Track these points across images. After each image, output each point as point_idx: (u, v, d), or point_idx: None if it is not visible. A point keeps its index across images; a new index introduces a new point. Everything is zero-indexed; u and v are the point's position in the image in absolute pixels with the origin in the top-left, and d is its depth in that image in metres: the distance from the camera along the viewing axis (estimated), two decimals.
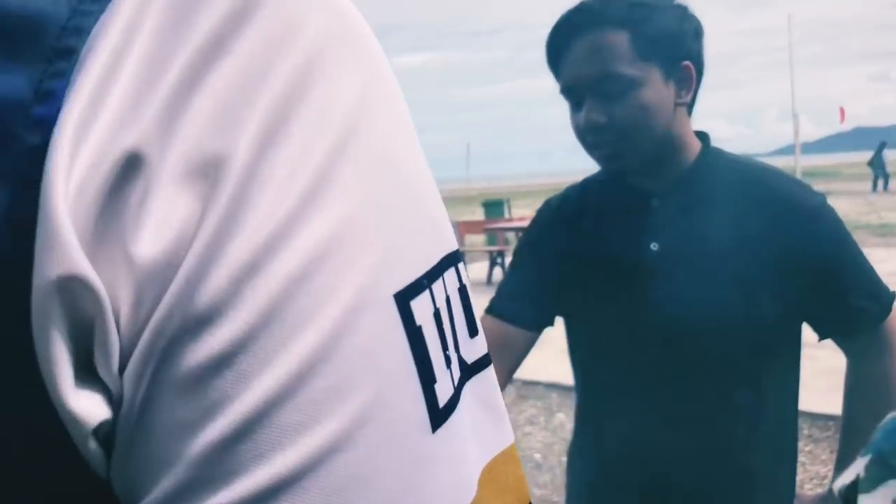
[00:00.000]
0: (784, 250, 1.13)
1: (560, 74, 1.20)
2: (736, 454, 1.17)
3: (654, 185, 1.20)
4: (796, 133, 26.84)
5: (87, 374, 0.24)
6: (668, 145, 1.18)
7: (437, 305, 0.27)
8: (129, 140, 0.24)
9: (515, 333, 1.30)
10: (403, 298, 0.26)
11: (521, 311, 1.31)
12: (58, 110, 0.23)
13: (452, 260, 0.30)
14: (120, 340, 0.24)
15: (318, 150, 0.25)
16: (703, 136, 1.24)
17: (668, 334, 1.16)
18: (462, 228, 11.39)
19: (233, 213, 0.24)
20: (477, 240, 12.45)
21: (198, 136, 0.24)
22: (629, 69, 1.12)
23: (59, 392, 0.23)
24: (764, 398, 1.18)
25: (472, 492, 0.27)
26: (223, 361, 0.23)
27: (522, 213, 13.85)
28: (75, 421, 0.23)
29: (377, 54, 0.30)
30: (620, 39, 1.13)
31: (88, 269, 0.23)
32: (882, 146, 25.12)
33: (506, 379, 1.31)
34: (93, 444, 0.24)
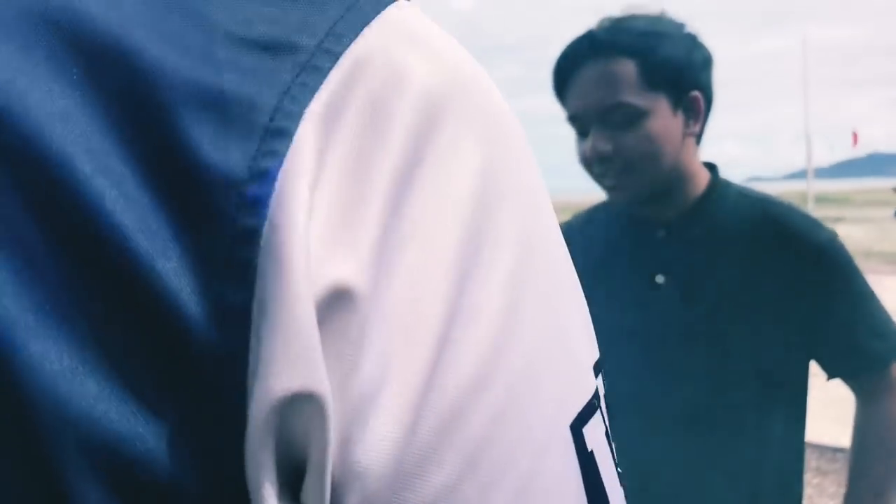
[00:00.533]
0: (792, 287, 1.11)
1: (566, 102, 1.19)
2: (741, 487, 1.15)
3: (661, 217, 1.19)
4: (809, 158, 26.79)
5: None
6: (676, 176, 1.16)
7: (607, 423, 0.27)
8: (344, 268, 0.22)
9: None
10: (578, 426, 0.25)
11: None
12: (273, 192, 0.21)
13: (598, 368, 0.29)
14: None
15: (505, 282, 0.24)
16: (711, 167, 1.23)
17: (671, 366, 1.15)
18: None
19: (440, 356, 0.22)
20: None
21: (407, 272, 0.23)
22: (636, 99, 1.11)
23: None
24: (769, 434, 1.15)
25: None
26: None
27: None
28: None
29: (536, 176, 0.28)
30: (628, 68, 1.11)
31: (327, 387, 0.21)
32: None
33: None
34: None
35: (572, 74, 1.16)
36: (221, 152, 0.21)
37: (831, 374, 1.17)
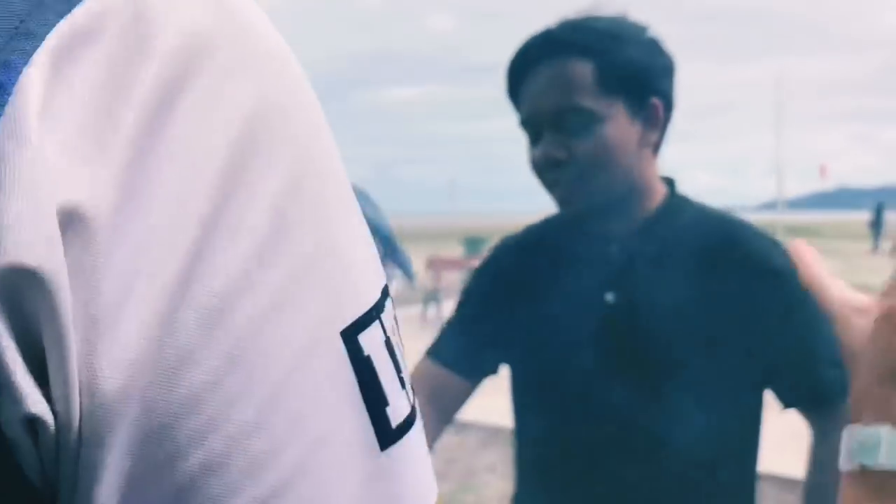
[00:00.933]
0: (748, 311, 1.05)
1: (519, 105, 1.12)
2: None
3: (614, 231, 1.11)
4: (780, 189, 27.28)
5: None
6: (631, 188, 1.09)
7: (388, 334, 0.29)
8: (82, 190, 0.23)
9: (454, 381, 1.21)
10: (352, 333, 0.28)
11: (462, 357, 1.22)
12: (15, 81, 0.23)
13: (387, 292, 0.31)
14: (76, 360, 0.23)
15: (272, 193, 0.26)
16: (669, 181, 1.16)
17: (619, 389, 1.08)
18: (441, 265, 11.35)
19: (198, 257, 0.24)
20: (453, 276, 12.40)
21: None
22: (592, 103, 1.04)
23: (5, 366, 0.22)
24: (720, 462, 1.08)
25: (433, 499, 0.30)
26: (194, 405, 0.24)
27: None
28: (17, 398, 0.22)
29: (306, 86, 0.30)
30: (585, 70, 1.05)
31: (64, 280, 0.23)
32: (881, 207, 25.39)
33: (438, 429, 1.22)
34: (26, 441, 0.24)
35: (526, 75, 1.09)
36: None
37: (787, 404, 1.10)
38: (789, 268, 1.08)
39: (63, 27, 0.24)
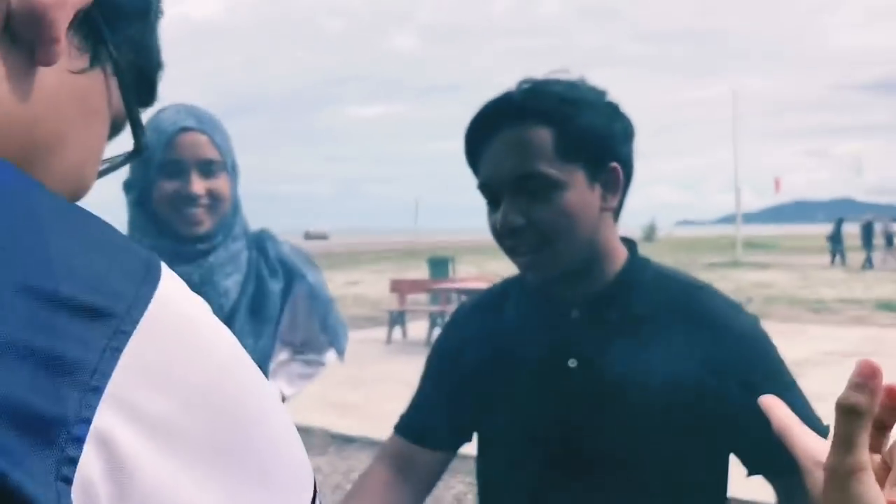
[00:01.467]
0: (711, 376, 1.04)
1: (478, 170, 1.11)
2: None
3: (576, 296, 1.11)
4: (738, 204, 27.75)
5: None
6: (592, 253, 1.09)
7: None
8: None
9: (425, 455, 1.20)
10: None
11: (431, 429, 1.21)
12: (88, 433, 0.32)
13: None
14: None
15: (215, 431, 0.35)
16: (630, 243, 1.16)
17: (583, 458, 1.07)
18: (405, 287, 11.31)
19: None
20: (420, 297, 12.36)
21: None
22: (551, 169, 1.03)
23: None
24: None
25: None
26: None
27: (468, 270, 13.91)
28: None
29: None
30: (544, 136, 1.04)
31: None
32: (840, 222, 25.81)
33: (414, 502, 1.20)
34: None
35: (485, 140, 1.08)
36: (56, 403, 0.31)
37: (752, 471, 1.08)
38: (752, 332, 1.08)
39: None
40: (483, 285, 9.16)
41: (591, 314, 1.10)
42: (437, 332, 10.04)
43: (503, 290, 1.24)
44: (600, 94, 1.10)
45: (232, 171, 1.57)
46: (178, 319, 0.36)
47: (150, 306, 0.35)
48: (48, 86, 0.42)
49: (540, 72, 1.12)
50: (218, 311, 1.47)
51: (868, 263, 22.65)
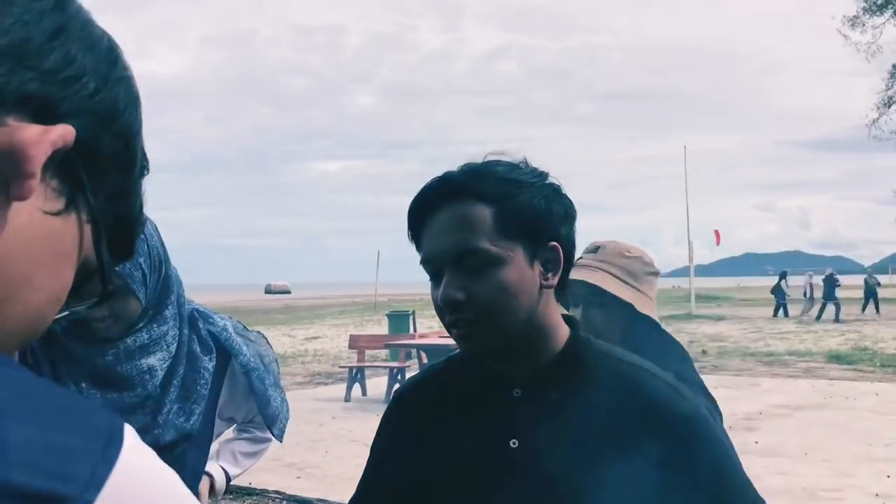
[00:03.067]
0: (655, 459, 1.04)
1: (420, 245, 1.14)
2: None
3: (517, 374, 1.12)
4: (691, 258, 28.23)
5: None
6: (532, 331, 1.11)
7: None
8: None
9: None
10: None
11: None
12: None
13: None
14: None
15: None
16: (571, 321, 1.18)
17: None
18: (363, 342, 11.22)
19: None
20: (380, 353, 12.25)
21: None
22: (491, 245, 1.06)
23: None
24: None
25: None
26: None
27: (430, 325, 13.75)
28: None
29: None
30: (484, 215, 1.07)
31: None
32: (783, 275, 26.23)
33: None
34: None
35: (427, 217, 1.11)
36: None
37: None
38: (697, 413, 1.11)
39: None
40: (443, 341, 9.03)
41: (532, 393, 1.11)
42: (396, 387, 9.78)
43: (443, 371, 1.25)
44: (541, 175, 1.13)
45: (150, 269, 1.41)
46: (138, 494, 0.37)
47: (108, 482, 0.35)
48: (20, 224, 0.41)
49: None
50: (142, 388, 1.40)
51: (819, 315, 23.03)
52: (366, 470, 1.27)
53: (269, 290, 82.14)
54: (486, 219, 1.07)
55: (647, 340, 1.83)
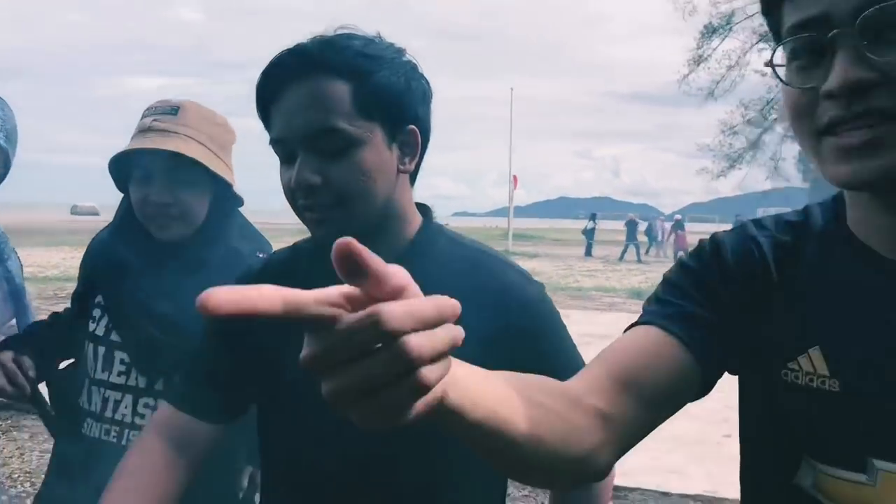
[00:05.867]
0: (501, 339, 1.03)
1: (270, 124, 1.04)
2: None
3: None
4: (511, 198, 29.37)
5: None
6: (388, 216, 1.06)
7: None
8: None
9: (200, 427, 1.15)
10: None
11: (206, 401, 1.16)
12: None
13: None
14: None
15: None
16: (424, 209, 1.15)
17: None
18: None
19: None
20: None
21: None
22: (349, 126, 0.99)
23: None
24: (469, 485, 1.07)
25: None
26: None
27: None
28: None
29: None
30: (341, 91, 0.99)
31: None
32: (593, 217, 28.03)
33: (189, 477, 1.14)
34: None
35: (278, 92, 1.02)
36: None
37: None
38: (542, 297, 1.11)
39: None
40: None
41: None
42: None
43: (292, 253, 1.19)
44: (399, 51, 1.07)
45: None
46: None
47: None
48: None
49: None
50: None
51: (622, 256, 24.94)
52: (195, 354, 1.21)
53: (75, 211, 77.68)
54: (344, 96, 0.99)
55: (233, 224, 1.60)
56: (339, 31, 1.05)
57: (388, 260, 1.14)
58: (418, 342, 0.46)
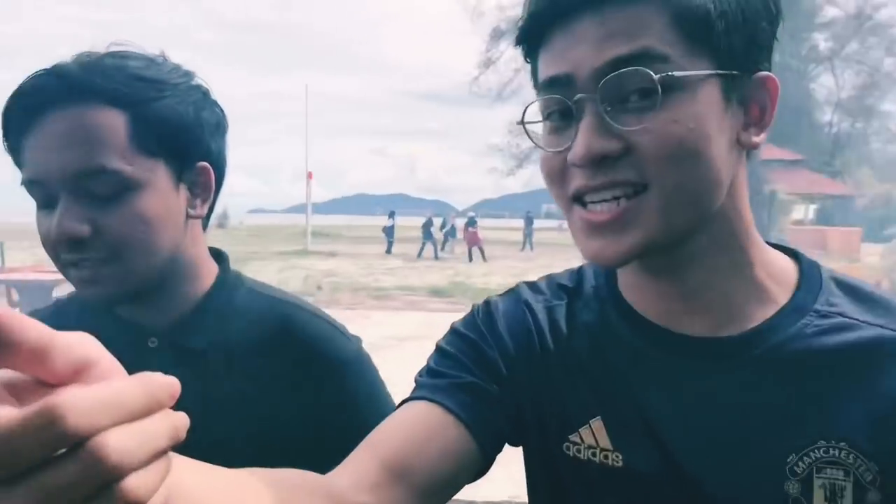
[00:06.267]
0: (307, 407, 0.93)
1: (22, 160, 0.84)
2: None
3: (152, 322, 0.92)
4: (308, 195, 28.99)
5: None
6: (174, 270, 0.90)
7: None
8: None
9: None
10: None
11: None
12: None
13: None
14: None
15: None
16: (220, 255, 1.00)
17: None
18: None
19: None
20: None
21: None
22: (124, 164, 0.82)
23: None
24: None
25: None
26: None
27: (21, 258, 12.32)
28: None
29: None
30: (114, 122, 0.82)
31: None
32: (392, 215, 28.29)
33: None
34: None
35: (33, 122, 0.82)
36: None
37: None
38: (359, 356, 0.99)
39: None
40: (41, 276, 8.24)
41: (172, 342, 0.92)
42: None
43: (59, 310, 0.99)
44: (186, 74, 0.91)
45: None
46: None
47: None
48: None
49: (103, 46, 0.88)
50: None
51: (420, 253, 25.44)
52: None
53: None
54: (118, 129, 0.82)
55: None
56: (112, 49, 0.87)
57: (177, 320, 0.98)
58: (119, 442, 0.33)
